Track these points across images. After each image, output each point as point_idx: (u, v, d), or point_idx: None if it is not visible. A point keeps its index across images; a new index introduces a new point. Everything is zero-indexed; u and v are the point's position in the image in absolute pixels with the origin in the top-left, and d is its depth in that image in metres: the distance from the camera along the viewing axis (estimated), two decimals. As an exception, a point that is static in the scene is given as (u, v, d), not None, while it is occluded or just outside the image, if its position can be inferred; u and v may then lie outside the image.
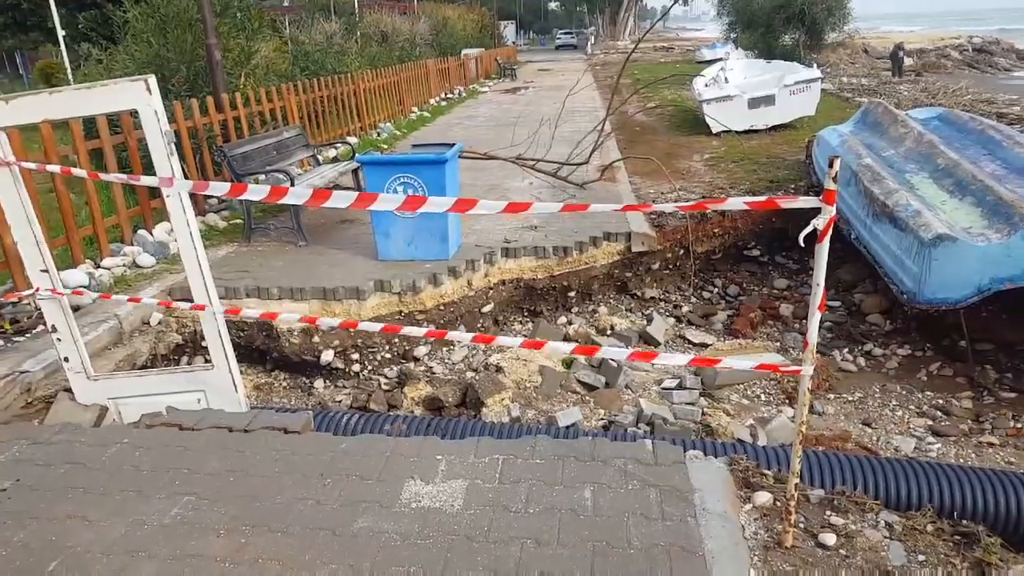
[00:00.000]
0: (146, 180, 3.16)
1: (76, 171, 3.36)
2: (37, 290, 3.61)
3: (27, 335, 4.58)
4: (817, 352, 5.67)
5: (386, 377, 5.26)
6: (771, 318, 6.37)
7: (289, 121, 8.52)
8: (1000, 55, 25.91)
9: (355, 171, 7.31)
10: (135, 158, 5.87)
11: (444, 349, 5.56)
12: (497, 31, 40.56)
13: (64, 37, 14.09)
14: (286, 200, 2.77)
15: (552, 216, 6.78)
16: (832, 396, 4.95)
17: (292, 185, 5.97)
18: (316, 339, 5.19)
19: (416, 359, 5.41)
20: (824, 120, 11.72)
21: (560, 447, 2.92)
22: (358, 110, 11.67)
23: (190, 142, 6.63)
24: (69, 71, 13.38)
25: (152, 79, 3.19)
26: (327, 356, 5.18)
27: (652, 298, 6.71)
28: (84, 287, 5.13)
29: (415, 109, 15.07)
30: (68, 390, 3.90)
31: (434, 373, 5.27)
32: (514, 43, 51.17)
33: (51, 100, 3.23)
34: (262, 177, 6.41)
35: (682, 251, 6.84)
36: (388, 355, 5.39)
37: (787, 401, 4.88)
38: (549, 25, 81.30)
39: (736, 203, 2.51)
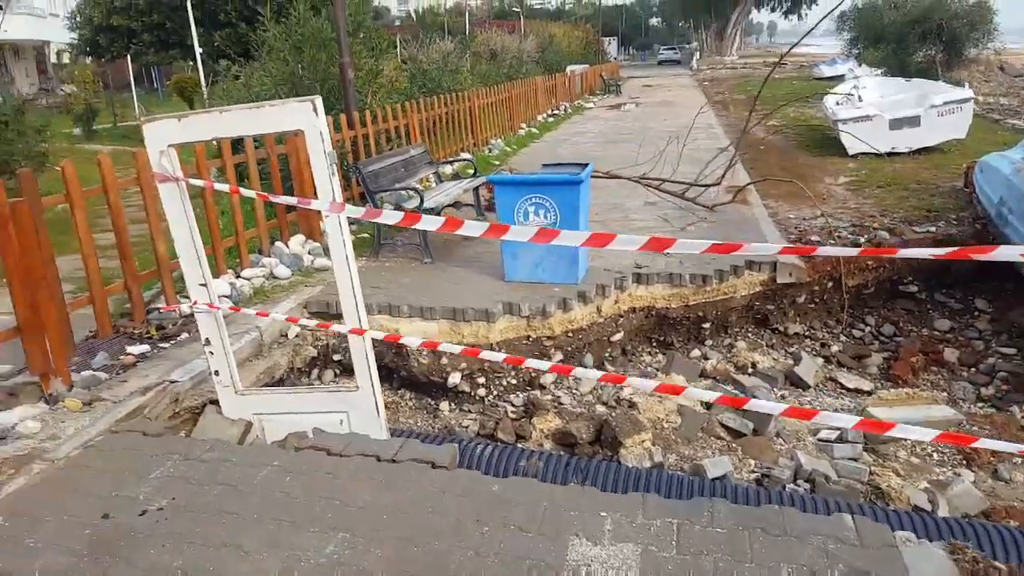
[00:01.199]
0: (316, 204, 3.11)
1: (245, 191, 3.37)
2: (195, 303, 3.65)
3: (172, 342, 4.70)
4: (992, 407, 5.10)
5: (512, 404, 5.07)
6: (934, 363, 5.69)
7: (411, 138, 8.60)
8: None
9: (476, 188, 7.25)
10: (275, 172, 6.01)
11: (572, 378, 5.32)
12: (601, 47, 40.38)
13: (201, 54, 15.04)
14: (421, 226, 2.77)
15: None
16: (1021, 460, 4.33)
17: (421, 202, 5.94)
18: (444, 360, 5.08)
19: (543, 387, 5.20)
20: (975, 144, 10.73)
21: (743, 515, 2.60)
22: (471, 127, 11.72)
23: (324, 158, 6.74)
24: (204, 85, 14.27)
25: (319, 100, 3.15)
26: (454, 379, 5.06)
27: (796, 334, 6.17)
28: (226, 297, 5.25)
29: (523, 125, 15.06)
30: (214, 402, 3.94)
31: (562, 403, 5.04)
32: (616, 58, 50.79)
33: (221, 119, 3.25)
34: (387, 195, 6.43)
35: (831, 283, 6.29)
36: (514, 381, 5.21)
37: (964, 462, 4.31)
38: (650, 41, 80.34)
39: (921, 252, 2.22)
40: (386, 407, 5.18)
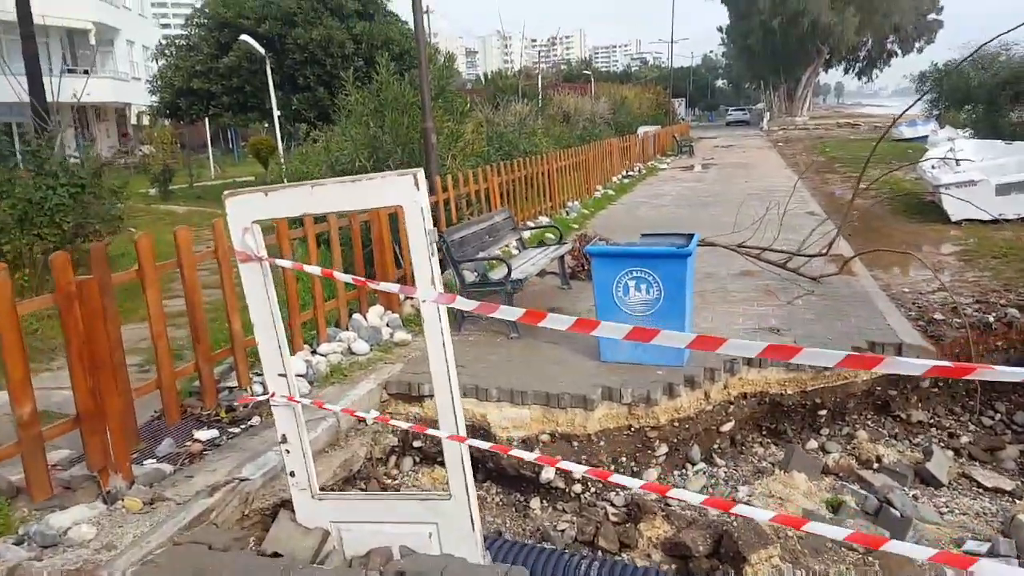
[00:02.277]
0: (420, 292, 2.72)
1: (340, 275, 3.02)
2: (272, 395, 3.29)
3: (243, 427, 4.35)
4: None
5: (613, 504, 4.48)
6: None
7: (492, 201, 8.34)
8: None
9: (561, 257, 6.84)
10: (356, 240, 5.75)
11: (678, 474, 4.71)
12: (671, 108, 40.35)
13: (279, 117, 15.47)
14: (499, 315, 2.52)
15: (798, 319, 5.80)
16: None
17: (509, 273, 5.55)
18: (536, 452, 4.56)
19: (645, 484, 4.59)
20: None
21: None
22: (549, 190, 11.45)
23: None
24: (280, 147, 14.64)
25: (420, 174, 2.80)
26: (548, 474, 4.52)
27: (920, 423, 5.44)
28: (302, 376, 4.92)
29: (599, 187, 14.75)
30: (287, 503, 3.53)
31: (669, 505, 4.41)
32: (684, 119, 50.75)
33: (313, 193, 2.92)
34: (471, 264, 6.07)
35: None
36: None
37: None
38: (715, 102, 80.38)
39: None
40: (469, 502, 4.71)
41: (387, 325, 5.89)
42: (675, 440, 4.75)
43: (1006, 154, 11.88)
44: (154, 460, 3.96)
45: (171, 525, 3.27)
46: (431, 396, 4.82)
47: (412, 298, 6.55)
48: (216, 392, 4.57)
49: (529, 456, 2.77)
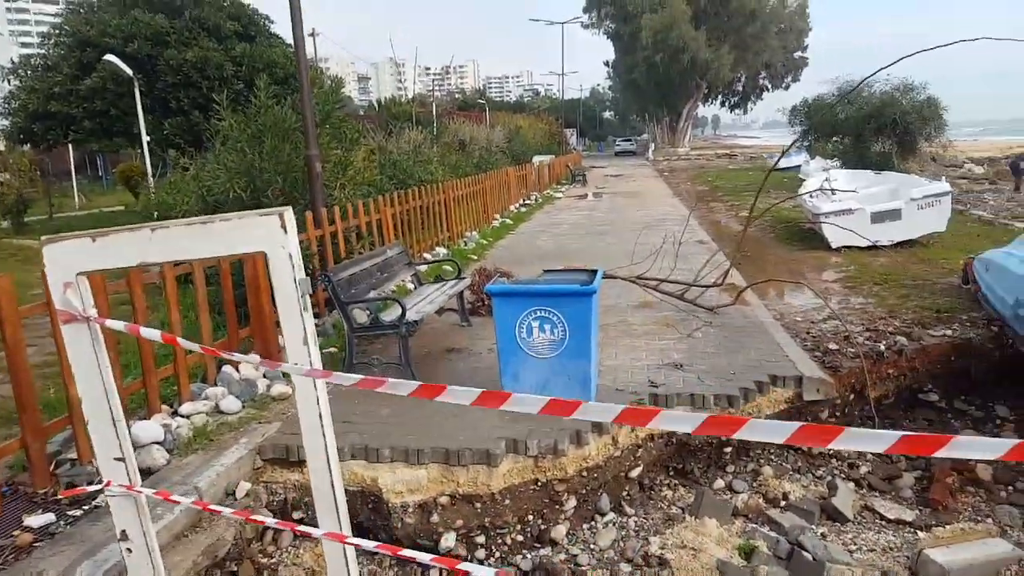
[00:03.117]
0: (287, 367, 2.26)
1: (183, 342, 2.49)
2: (108, 484, 2.67)
3: (84, 509, 3.63)
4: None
5: (519, 568, 4.10)
6: (970, 482, 5.08)
7: (385, 234, 7.84)
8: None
9: (460, 293, 6.47)
10: (226, 282, 5.11)
11: (588, 529, 4.41)
12: (564, 138, 41.22)
13: (149, 143, 14.23)
14: (388, 390, 2.08)
15: (700, 352, 5.70)
16: None
17: (404, 314, 5.10)
18: (435, 518, 4.11)
19: (554, 543, 4.26)
20: (954, 238, 10.63)
21: None
22: (447, 220, 11.08)
23: (286, 262, 5.88)
24: (151, 176, 13.42)
25: (288, 214, 2.34)
26: (448, 541, 4.09)
27: (821, 454, 5.46)
28: (159, 443, 4.24)
29: (498, 216, 14.54)
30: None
31: (579, 564, 4.10)
32: (576, 149, 52.10)
33: (153, 239, 2.39)
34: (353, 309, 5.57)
35: (852, 395, 5.65)
36: (520, 537, 4.26)
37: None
38: (604, 132, 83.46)
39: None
40: (361, 576, 4.17)
41: (264, 376, 5.27)
42: (583, 491, 4.46)
43: (877, 183, 12.78)
44: None
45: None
46: (314, 459, 4.27)
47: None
48: (51, 468, 3.82)
49: (424, 557, 2.33)
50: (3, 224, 16.80)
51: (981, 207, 15.29)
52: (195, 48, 15.60)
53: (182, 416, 4.61)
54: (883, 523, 4.70)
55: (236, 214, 2.40)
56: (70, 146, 22.13)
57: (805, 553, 4.10)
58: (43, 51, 17.73)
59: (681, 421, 1.75)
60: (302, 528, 2.53)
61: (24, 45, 17.74)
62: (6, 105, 17.46)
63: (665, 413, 1.73)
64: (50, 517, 3.54)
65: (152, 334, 2.43)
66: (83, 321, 2.47)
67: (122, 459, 2.66)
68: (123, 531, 2.73)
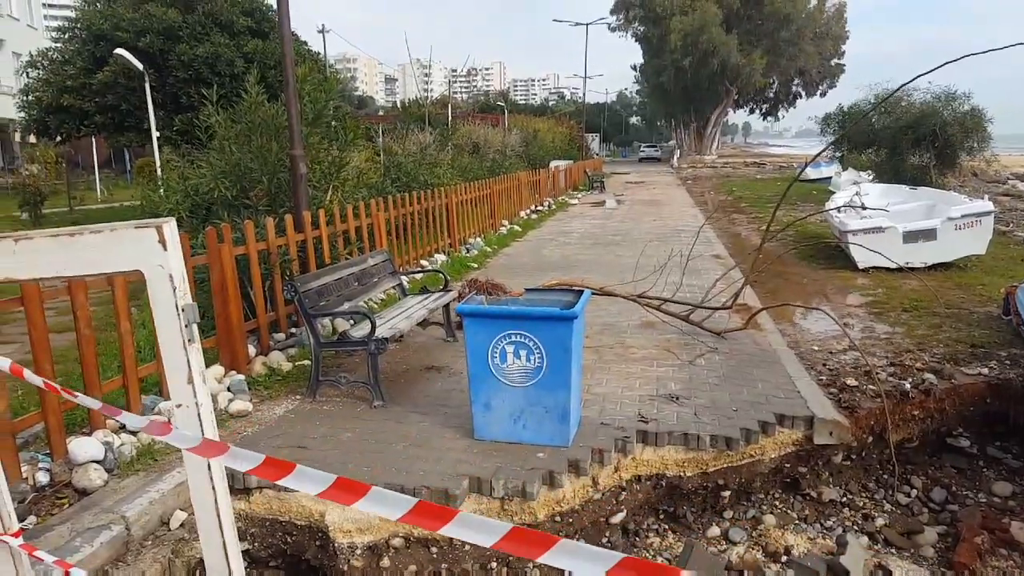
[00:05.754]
0: (176, 399, 1.90)
1: (30, 376, 2.12)
2: (-24, 530, 2.32)
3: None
4: None
5: (478, 620, 3.69)
6: (1002, 544, 4.49)
7: (376, 239, 7.48)
8: None
9: (447, 305, 6.07)
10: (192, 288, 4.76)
11: (559, 579, 3.96)
12: (584, 143, 40.67)
13: (159, 139, 14.07)
14: (220, 459, 1.91)
15: (701, 383, 5.23)
16: None
17: (373, 329, 4.71)
18: (386, 562, 3.71)
19: (523, 592, 3.83)
20: (995, 262, 9.90)
21: None
22: (449, 225, 10.69)
23: (260, 268, 5.54)
24: (160, 171, 13.26)
25: (170, 226, 1.97)
26: (400, 589, 3.68)
27: (831, 502, 4.93)
28: (97, 462, 3.90)
29: (505, 223, 14.12)
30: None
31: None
32: (598, 155, 51.47)
33: (17, 251, 2.04)
34: (336, 319, 5.20)
35: (870, 437, 5.12)
36: (485, 584, 3.84)
37: None
38: (629, 138, 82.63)
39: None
40: (305, 622, 3.79)
41: (228, 389, 4.92)
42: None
43: (911, 199, 12.06)
44: None
45: None
46: (259, 488, 3.90)
47: (267, 354, 5.62)
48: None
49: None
50: (22, 216, 16.83)
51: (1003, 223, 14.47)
52: (207, 43, 15.43)
53: (129, 432, 4.27)
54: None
55: (108, 225, 2.03)
56: (93, 140, 22.17)
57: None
58: (58, 45, 17.73)
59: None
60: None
61: (55, 40, 17.75)
62: (23, 98, 17.50)
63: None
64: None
65: (2, 364, 2.06)
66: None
67: (-8, 506, 2.32)
68: (-6, 584, 2.38)
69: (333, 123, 7.45)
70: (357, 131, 8.74)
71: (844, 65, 53.57)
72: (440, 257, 9.91)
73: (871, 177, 18.14)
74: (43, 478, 3.83)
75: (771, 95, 55.11)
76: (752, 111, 58.36)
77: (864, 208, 10.59)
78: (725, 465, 4.52)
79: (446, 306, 6.09)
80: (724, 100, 52.30)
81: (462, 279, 7.91)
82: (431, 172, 11.73)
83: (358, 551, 3.70)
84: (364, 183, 8.63)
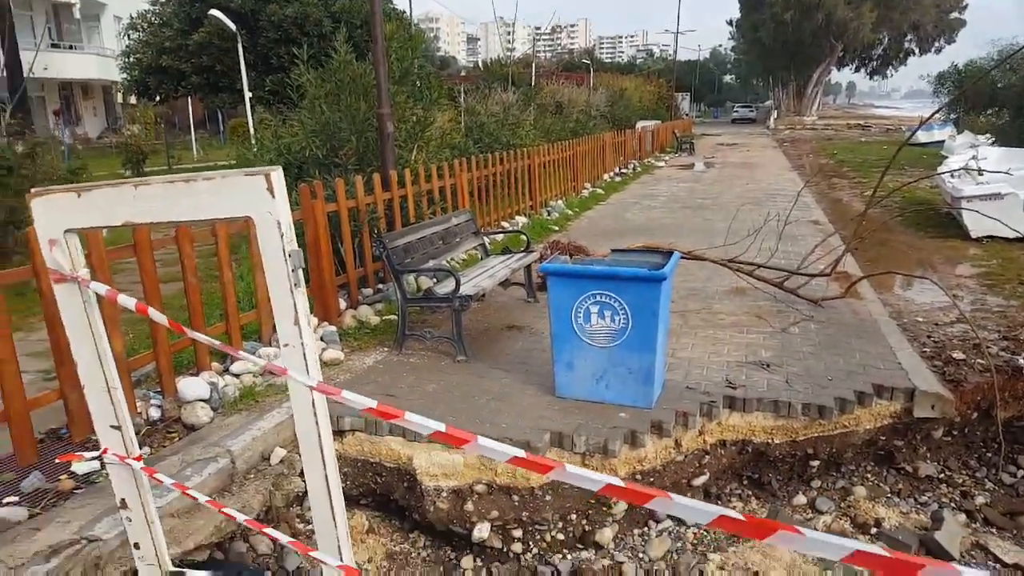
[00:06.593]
0: (283, 336, 1.98)
1: (155, 315, 2.27)
2: (105, 451, 2.55)
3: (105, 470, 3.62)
4: None
5: (556, 570, 3.77)
6: None
7: (459, 199, 7.55)
8: None
9: (528, 266, 6.09)
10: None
11: (639, 536, 3.99)
12: (674, 103, 39.28)
13: (251, 99, 14.61)
14: (345, 401, 1.79)
15: (794, 351, 5.05)
16: None
17: (458, 285, 4.79)
18: (469, 506, 3.83)
19: (599, 546, 3.88)
20: None
21: None
22: (530, 187, 10.64)
23: (350, 225, 5.72)
24: (252, 132, 13.82)
25: (277, 173, 2.04)
26: (481, 531, 3.81)
27: (928, 478, 4.70)
28: (204, 400, 4.19)
29: (588, 185, 13.91)
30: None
31: (623, 573, 3.70)
32: (688, 115, 49.63)
33: (137, 196, 2.17)
34: (420, 277, 5.31)
35: (975, 414, 4.81)
36: (561, 536, 3.91)
37: None
38: (723, 98, 79.13)
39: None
40: (391, 557, 3.98)
41: (321, 339, 5.15)
42: (637, 496, 4.02)
43: (1037, 164, 11.04)
44: (16, 499, 3.27)
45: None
46: (352, 431, 4.10)
47: (355, 308, 5.82)
48: (87, 421, 3.83)
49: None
50: (125, 174, 17.99)
51: None
52: (295, 3, 15.79)
53: (232, 375, 4.56)
54: (998, 567, 3.97)
55: (220, 172, 2.13)
56: (188, 101, 23.28)
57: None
58: (156, 7, 18.55)
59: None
60: (289, 541, 2.28)
61: (153, 2, 18.66)
62: (125, 60, 18.47)
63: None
64: (95, 465, 3.55)
65: (127, 302, 2.22)
66: (72, 281, 2.31)
67: (118, 427, 2.53)
68: (122, 499, 2.61)
69: (418, 82, 7.50)
70: (441, 90, 8.77)
71: (965, 20, 48.91)
72: (521, 219, 9.90)
73: (990, 141, 16.67)
74: (155, 413, 4.15)
75: (880, 52, 51.08)
76: (857, 69, 54.39)
77: (981, 173, 9.78)
78: (816, 434, 4.38)
79: (528, 267, 6.11)
80: (828, 57, 48.98)
81: (543, 241, 7.89)
82: (513, 133, 11.66)
83: (443, 494, 3.83)
84: (447, 143, 8.69)
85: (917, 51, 50.25)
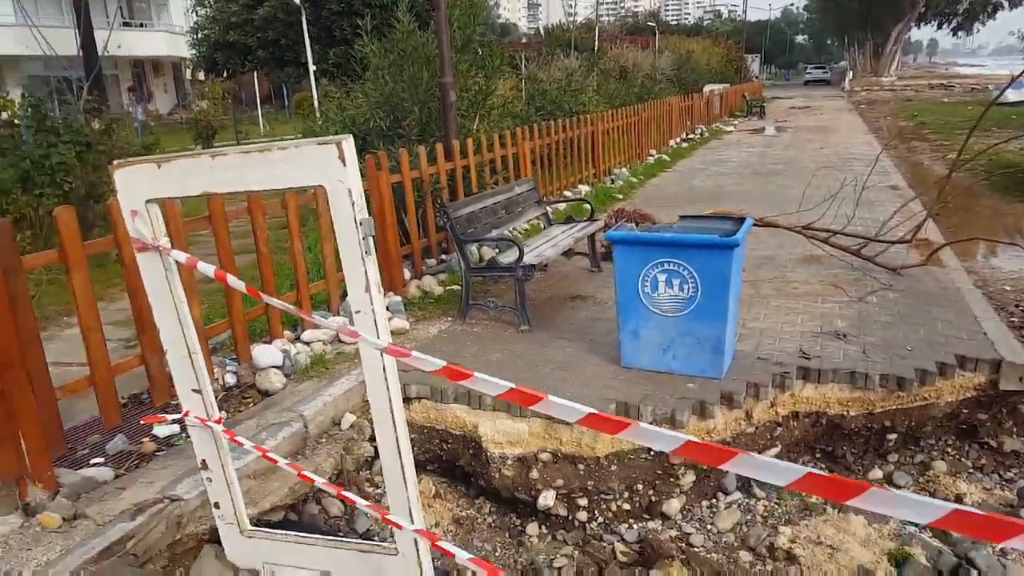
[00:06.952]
0: (354, 304, 2.01)
1: (233, 281, 2.34)
2: (187, 414, 2.67)
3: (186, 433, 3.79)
4: None
5: (622, 539, 3.76)
6: None
7: (521, 168, 7.49)
8: None
9: (592, 236, 6.00)
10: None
11: (707, 507, 3.93)
12: (743, 65, 37.73)
13: (315, 72, 14.81)
14: (415, 364, 1.76)
15: (871, 321, 4.83)
16: None
17: (521, 256, 4.77)
18: (534, 474, 3.86)
19: (665, 516, 3.85)
20: None
21: None
22: (593, 154, 10.46)
23: (414, 196, 5.76)
24: (316, 104, 14.04)
25: (348, 143, 2.05)
26: (546, 499, 3.83)
27: (1014, 452, 4.44)
28: (277, 367, 4.33)
29: (653, 152, 13.57)
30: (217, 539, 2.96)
31: (692, 544, 3.66)
32: (758, 77, 47.64)
33: (214, 167, 2.23)
34: (483, 247, 5.31)
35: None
36: (627, 506, 3.90)
37: None
38: (794, 59, 75.53)
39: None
40: (458, 523, 4.06)
41: (387, 308, 5.24)
42: (704, 468, 3.96)
43: None
44: (102, 460, 3.48)
45: (78, 555, 2.74)
46: (418, 399, 4.17)
47: (420, 278, 5.89)
48: (168, 386, 4.03)
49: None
50: (197, 149, 18.63)
51: None
52: (357, -25, 15.89)
53: (303, 343, 4.69)
54: (1092, 548, 3.74)
55: (294, 142, 2.16)
56: (255, 76, 23.80)
57: (974, 571, 3.36)
58: None
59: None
60: (365, 504, 2.34)
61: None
62: (194, 36, 18.99)
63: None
64: (174, 428, 3.73)
65: (207, 269, 2.30)
66: (153, 250, 2.40)
67: (199, 391, 2.64)
68: (203, 460, 2.74)
69: (480, 50, 7.43)
70: (503, 57, 8.66)
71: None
72: (584, 188, 9.77)
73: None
74: (231, 379, 4.31)
75: (965, 6, 47.59)
76: (940, 26, 50.88)
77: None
78: (894, 407, 4.19)
79: (591, 236, 6.03)
80: (908, 13, 45.97)
81: (607, 210, 7.76)
82: (576, 99, 11.45)
83: (509, 462, 3.87)
84: (509, 112, 8.61)
85: (1006, 4, 46.52)
